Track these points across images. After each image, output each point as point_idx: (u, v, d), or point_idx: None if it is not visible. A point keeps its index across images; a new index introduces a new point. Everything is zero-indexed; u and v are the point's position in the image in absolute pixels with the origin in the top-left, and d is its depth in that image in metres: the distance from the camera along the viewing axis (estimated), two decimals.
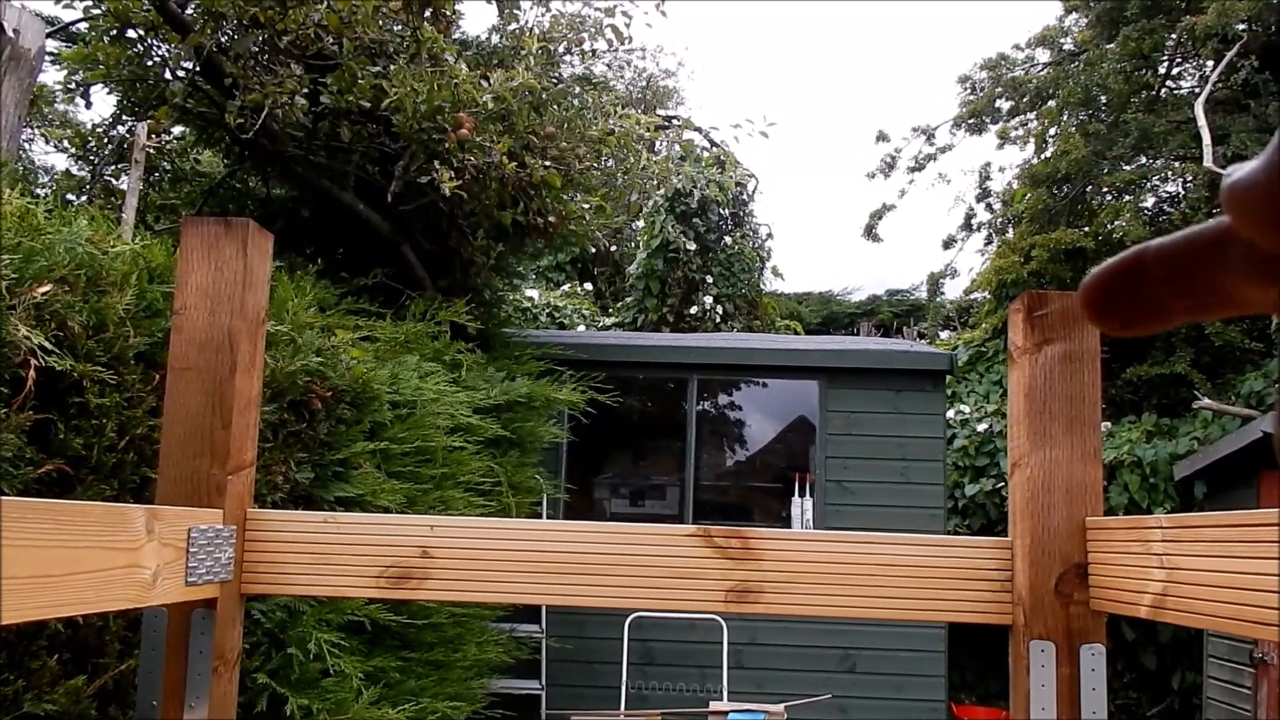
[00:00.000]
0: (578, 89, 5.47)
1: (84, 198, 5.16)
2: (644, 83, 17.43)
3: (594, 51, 5.73)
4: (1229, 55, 10.31)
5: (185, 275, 1.52)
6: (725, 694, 6.22)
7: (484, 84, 4.61)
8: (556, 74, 5.58)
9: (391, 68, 4.41)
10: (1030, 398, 1.46)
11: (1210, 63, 11.92)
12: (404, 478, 3.17)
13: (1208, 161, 9.08)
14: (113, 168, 5.40)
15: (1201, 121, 9.15)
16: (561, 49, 5.47)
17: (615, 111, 5.62)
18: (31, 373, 1.59)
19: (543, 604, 5.77)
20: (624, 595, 1.47)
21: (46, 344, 1.62)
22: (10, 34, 3.43)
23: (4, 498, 1.03)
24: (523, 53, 5.06)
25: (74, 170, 5.71)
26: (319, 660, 2.39)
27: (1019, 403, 1.48)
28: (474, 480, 3.79)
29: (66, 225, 1.86)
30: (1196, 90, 11.98)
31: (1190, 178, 12.46)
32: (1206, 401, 9.06)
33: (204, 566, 1.38)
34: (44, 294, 1.65)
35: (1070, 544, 1.41)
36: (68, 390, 1.71)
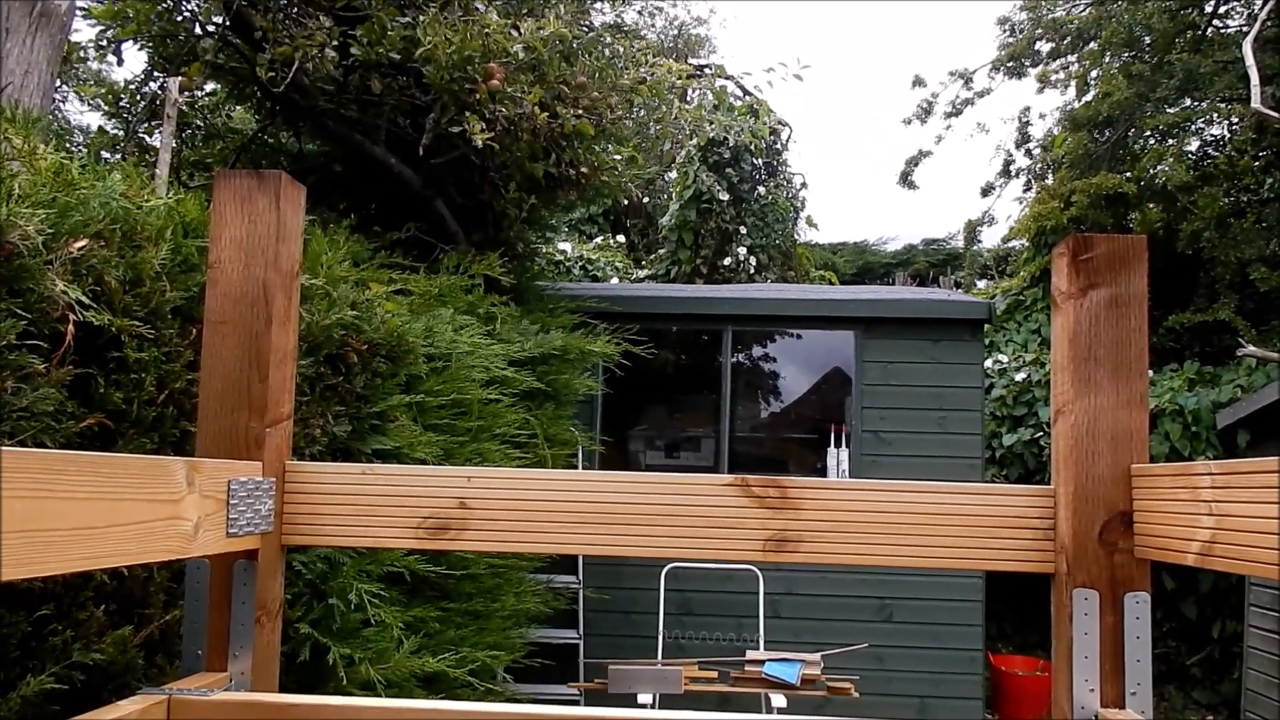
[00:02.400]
0: (609, 38, 5.39)
1: (118, 155, 5.19)
2: (675, 31, 17.21)
3: None
4: None
5: (219, 229, 1.52)
6: (762, 644, 6.26)
7: (514, 33, 4.55)
8: (587, 22, 5.50)
9: (421, 18, 4.37)
10: (1075, 343, 1.43)
11: (1259, 0, 11.54)
12: (440, 430, 3.18)
13: (1255, 103, 8.80)
14: (146, 125, 5.42)
15: (1250, 61, 8.85)
16: None
17: (647, 60, 5.54)
18: (70, 328, 1.60)
19: (580, 554, 5.82)
20: (662, 545, 1.47)
21: (84, 299, 1.63)
22: None
23: (47, 450, 1.04)
24: (553, 1, 4.99)
25: (108, 128, 5.74)
26: (360, 611, 2.42)
27: (1063, 348, 1.45)
28: (510, 432, 3.80)
29: (101, 180, 1.86)
30: (1245, 29, 11.61)
31: (1237, 119, 12.14)
32: (1250, 349, 8.88)
33: (244, 518, 1.39)
34: (80, 249, 1.66)
35: (1115, 491, 1.39)
36: (106, 345, 1.73)
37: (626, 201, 14.00)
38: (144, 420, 1.78)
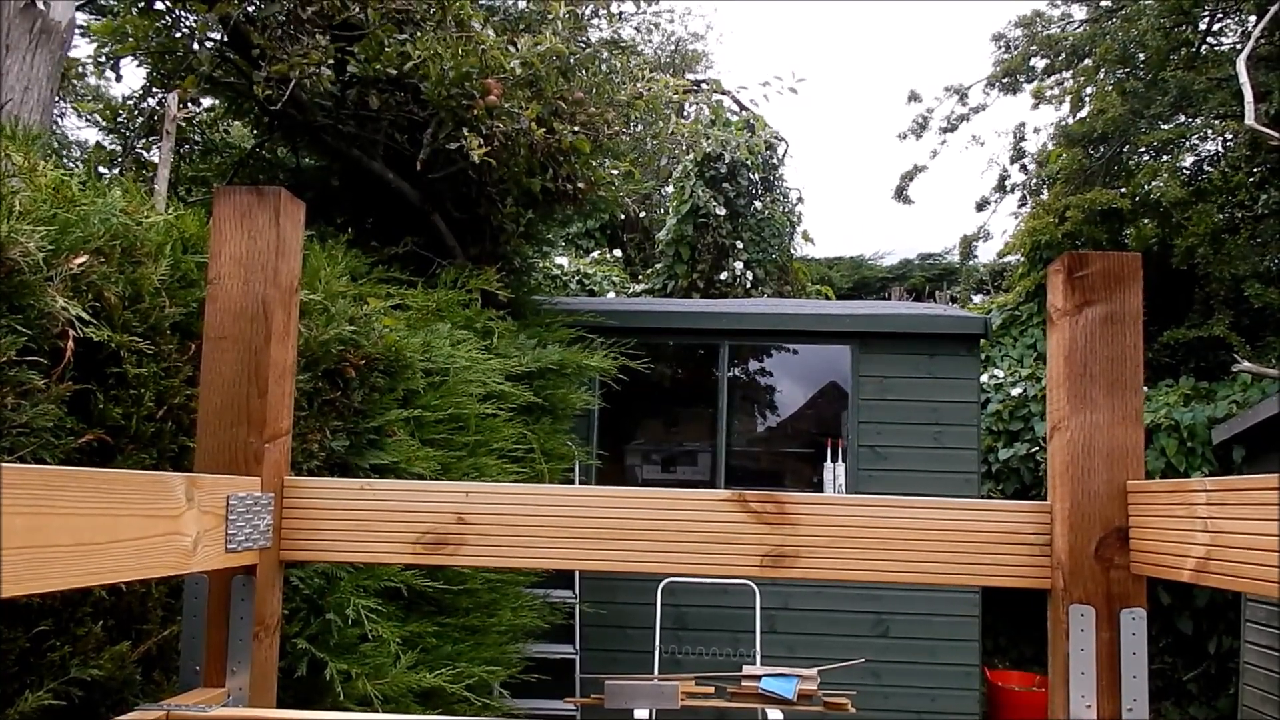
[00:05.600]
0: (606, 53, 5.42)
1: (116, 170, 5.19)
2: (672, 46, 17.29)
3: (621, 14, 5.66)
4: (1273, 10, 10.04)
5: (219, 245, 1.53)
6: (758, 658, 6.25)
7: (511, 49, 4.58)
8: (584, 38, 5.53)
9: (418, 34, 4.39)
10: (1070, 360, 1.44)
11: (1253, 18, 11.62)
12: (438, 445, 3.18)
13: (1249, 119, 8.85)
14: (144, 140, 5.43)
15: (1244, 78, 8.92)
16: (588, 11, 5.41)
17: (644, 75, 5.57)
18: (70, 343, 1.61)
19: (578, 569, 5.81)
20: (660, 560, 1.48)
21: (84, 315, 1.63)
22: (40, 6, 3.45)
23: (47, 467, 1.04)
24: (550, 17, 5.01)
25: (106, 144, 5.75)
26: (357, 626, 2.42)
27: (1059, 365, 1.46)
28: (507, 447, 3.81)
29: (101, 196, 1.86)
30: (1238, 46, 11.69)
31: (1231, 136, 12.18)
32: (1246, 364, 8.92)
33: (243, 534, 1.40)
34: (80, 265, 1.66)
35: (1111, 507, 1.40)
36: (106, 360, 1.73)
37: (623, 216, 14.03)
38: (143, 436, 1.78)
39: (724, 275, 12.54)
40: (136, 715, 1.32)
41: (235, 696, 1.44)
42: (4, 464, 0.88)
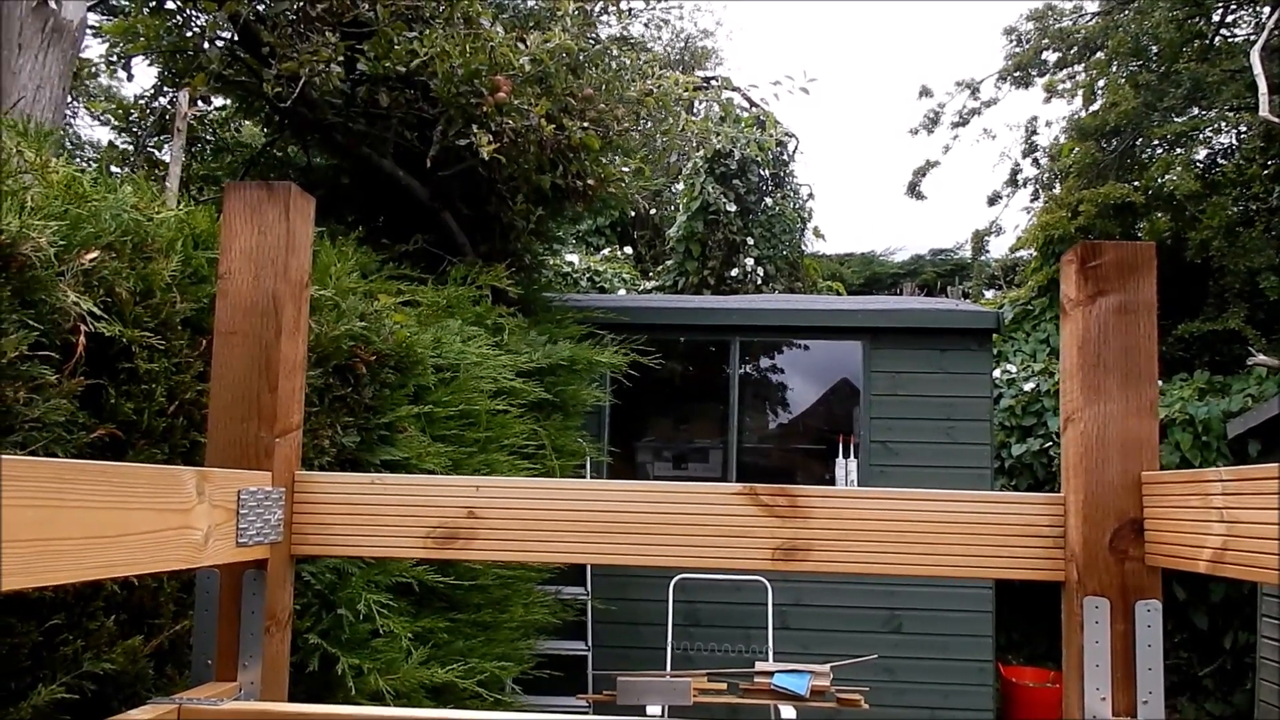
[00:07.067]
0: (615, 50, 5.41)
1: (128, 169, 5.21)
2: (682, 43, 17.28)
3: (630, 10, 5.65)
4: None
5: (229, 240, 1.53)
6: (770, 655, 6.24)
7: (521, 46, 4.57)
8: (593, 35, 5.52)
9: (427, 32, 4.39)
10: (1084, 351, 1.42)
11: (1267, 9, 11.54)
12: (449, 441, 3.18)
13: (1264, 111, 8.81)
14: (155, 139, 5.44)
15: (1258, 70, 8.87)
16: (598, 8, 5.40)
17: (653, 72, 5.56)
18: (81, 339, 1.61)
19: (589, 564, 5.82)
20: (671, 555, 1.47)
21: (95, 310, 1.64)
22: (53, 6, 3.46)
23: (59, 460, 1.04)
24: (559, 13, 5.01)
25: (118, 143, 5.77)
26: (368, 621, 2.42)
27: (1072, 356, 1.44)
28: (518, 443, 3.80)
29: (112, 192, 1.87)
30: (1252, 38, 11.61)
31: (1245, 128, 12.12)
32: (1261, 358, 8.87)
33: (254, 528, 1.40)
34: (91, 260, 1.67)
35: (1125, 499, 1.39)
36: (117, 356, 1.73)
37: (633, 213, 14.03)
38: (154, 431, 1.79)
39: (734, 272, 12.53)
40: (148, 709, 1.32)
41: (247, 690, 1.45)
42: (17, 458, 0.88)
